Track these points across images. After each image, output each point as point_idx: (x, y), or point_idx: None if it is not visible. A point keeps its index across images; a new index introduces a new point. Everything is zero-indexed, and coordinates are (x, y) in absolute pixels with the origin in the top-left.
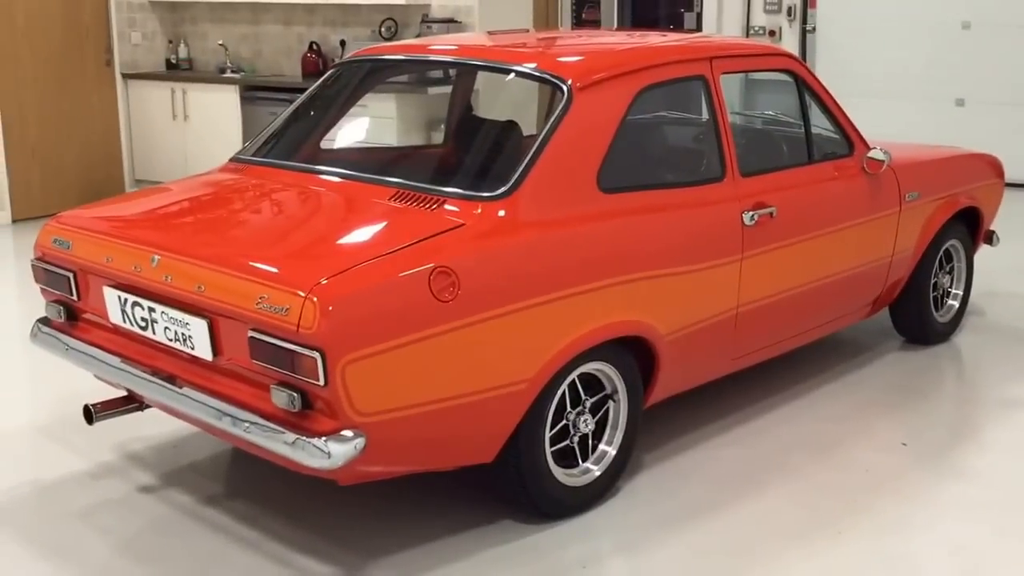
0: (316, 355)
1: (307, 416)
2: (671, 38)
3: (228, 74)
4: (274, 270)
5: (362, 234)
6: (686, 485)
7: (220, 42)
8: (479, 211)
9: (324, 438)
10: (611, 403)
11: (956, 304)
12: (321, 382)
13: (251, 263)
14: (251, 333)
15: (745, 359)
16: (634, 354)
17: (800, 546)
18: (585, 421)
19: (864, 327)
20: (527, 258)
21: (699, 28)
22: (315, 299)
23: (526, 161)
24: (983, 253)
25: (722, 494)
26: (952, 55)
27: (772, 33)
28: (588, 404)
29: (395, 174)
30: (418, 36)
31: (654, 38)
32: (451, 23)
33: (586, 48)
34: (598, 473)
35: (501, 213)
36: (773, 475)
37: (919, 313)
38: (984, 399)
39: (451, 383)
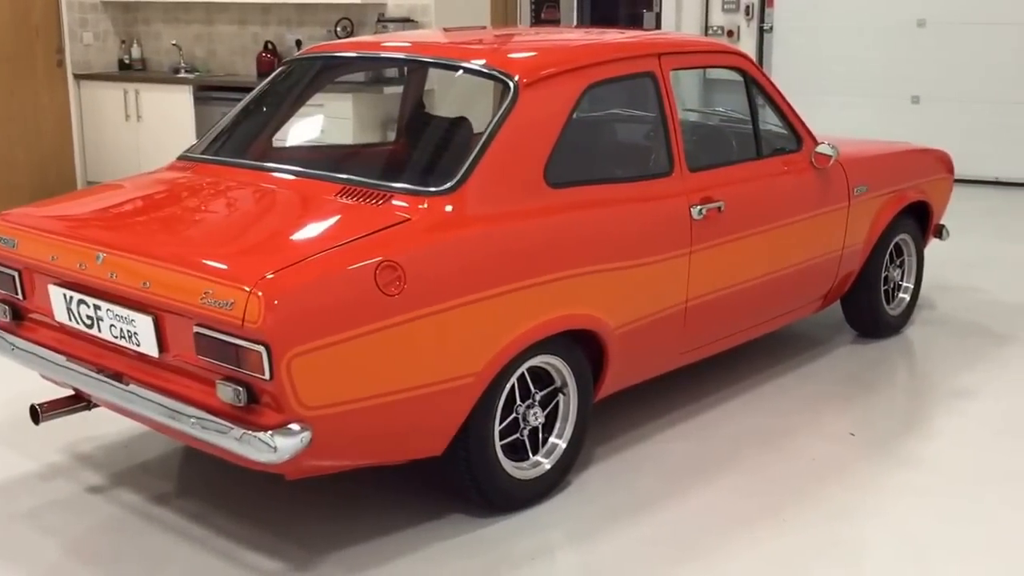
0: (261, 349)
1: (253, 411)
2: (626, 35)
3: (182, 74)
4: (219, 265)
5: (308, 230)
6: (637, 478)
7: (174, 42)
8: (425, 206)
9: (270, 432)
10: (561, 396)
11: (907, 297)
12: (266, 376)
13: (196, 259)
14: (196, 328)
15: (695, 352)
16: (583, 348)
17: (746, 534)
18: (535, 414)
19: (816, 320)
20: (474, 252)
21: (659, 27)
22: (260, 293)
23: (472, 156)
24: (933, 247)
25: (672, 486)
26: (908, 53)
27: (730, 33)
28: (538, 397)
29: (344, 170)
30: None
31: (610, 35)
32: (407, 22)
33: (535, 45)
34: (548, 466)
35: (448, 208)
36: (722, 467)
37: (870, 306)
38: (933, 390)
39: (398, 377)
